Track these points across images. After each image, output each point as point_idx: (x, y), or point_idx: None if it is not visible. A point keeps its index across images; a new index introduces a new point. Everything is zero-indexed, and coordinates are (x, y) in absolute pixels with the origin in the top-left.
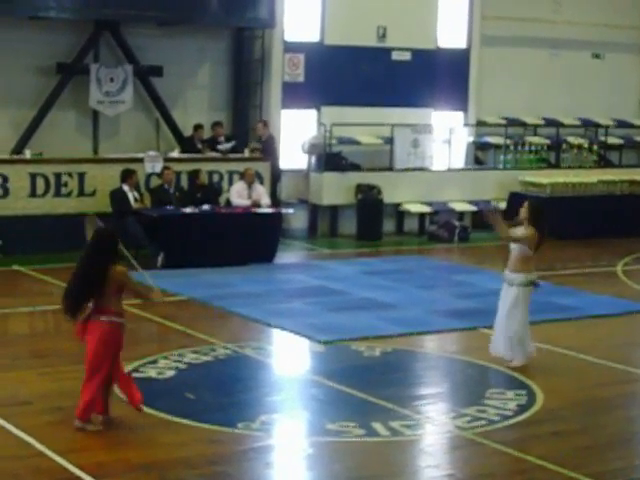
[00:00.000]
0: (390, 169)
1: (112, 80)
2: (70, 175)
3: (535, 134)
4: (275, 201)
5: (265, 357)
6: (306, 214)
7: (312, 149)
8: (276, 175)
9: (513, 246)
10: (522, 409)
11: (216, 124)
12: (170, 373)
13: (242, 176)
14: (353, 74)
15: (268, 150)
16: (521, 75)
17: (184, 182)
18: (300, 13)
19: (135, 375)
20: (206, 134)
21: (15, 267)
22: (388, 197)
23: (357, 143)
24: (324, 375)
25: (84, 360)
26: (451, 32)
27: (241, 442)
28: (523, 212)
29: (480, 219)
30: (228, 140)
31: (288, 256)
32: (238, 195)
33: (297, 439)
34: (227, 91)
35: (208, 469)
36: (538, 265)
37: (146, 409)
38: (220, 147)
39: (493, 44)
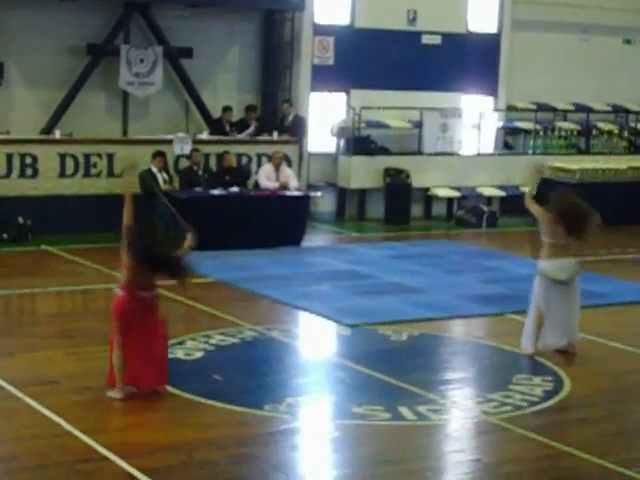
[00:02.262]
0: (419, 153)
1: (142, 61)
2: (99, 156)
3: (565, 119)
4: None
5: (292, 340)
6: (334, 197)
7: (341, 132)
8: (300, 157)
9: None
10: (549, 395)
11: (249, 108)
12: (198, 354)
13: (270, 158)
14: (383, 57)
15: (295, 131)
16: (551, 60)
17: (213, 164)
18: None
19: None
20: (235, 116)
21: (44, 247)
22: (416, 181)
23: (386, 127)
24: (351, 358)
25: None
26: (482, 16)
27: (268, 424)
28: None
29: (509, 204)
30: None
31: (316, 239)
32: (266, 177)
33: (323, 422)
34: (256, 74)
35: (235, 450)
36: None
37: (173, 390)
38: (239, 135)
39: (524, 29)
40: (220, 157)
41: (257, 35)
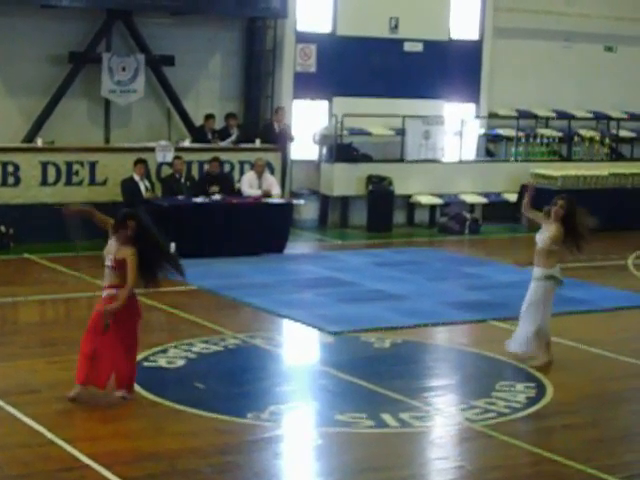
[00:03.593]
0: (401, 160)
1: (124, 69)
2: (81, 164)
3: (547, 126)
4: (283, 191)
5: (275, 347)
6: (317, 205)
7: (323, 140)
8: (285, 165)
9: (538, 239)
10: (532, 402)
11: (229, 115)
12: (180, 362)
13: (253, 166)
14: (365, 65)
15: (284, 139)
16: (533, 67)
17: (195, 172)
18: (312, 3)
19: (145, 364)
20: (218, 124)
21: (26, 255)
22: (399, 188)
23: (368, 134)
24: (334, 366)
25: None
26: (463, 23)
27: (250, 432)
28: (559, 211)
29: (491, 211)
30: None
31: (298, 247)
32: (249, 185)
33: (306, 429)
34: (239, 81)
35: (217, 459)
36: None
37: (156, 398)
38: (222, 143)
39: (505, 36)
40: (204, 163)
41: (239, 43)
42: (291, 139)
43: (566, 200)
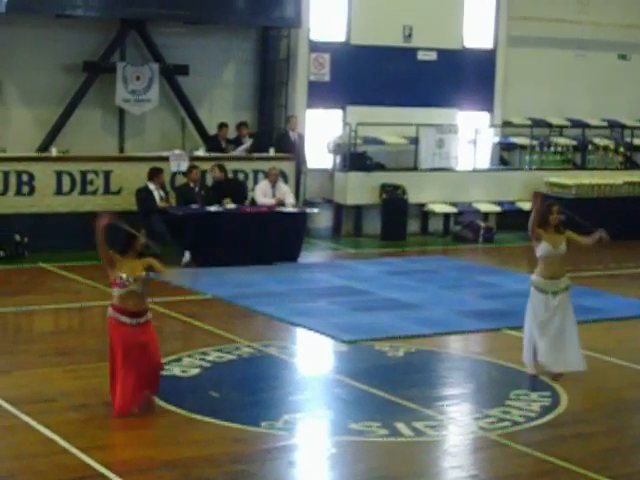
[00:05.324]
0: (415, 169)
1: (138, 79)
2: (96, 173)
3: (561, 135)
4: (298, 200)
5: (289, 356)
6: (331, 214)
7: (337, 149)
8: (299, 174)
9: (558, 250)
10: (546, 411)
11: (241, 124)
12: (194, 371)
13: (266, 175)
14: (379, 74)
15: (299, 147)
16: (547, 76)
17: (209, 181)
18: (326, 13)
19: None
20: (231, 133)
21: (41, 264)
22: (413, 197)
23: (382, 143)
24: (348, 375)
25: None
26: (477, 32)
27: (264, 441)
28: (557, 218)
29: (506, 220)
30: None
31: (312, 255)
32: (263, 194)
33: (320, 438)
34: (252, 90)
35: (231, 467)
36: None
37: (170, 407)
38: (234, 152)
39: (519, 44)
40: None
41: (253, 52)
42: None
43: (558, 204)
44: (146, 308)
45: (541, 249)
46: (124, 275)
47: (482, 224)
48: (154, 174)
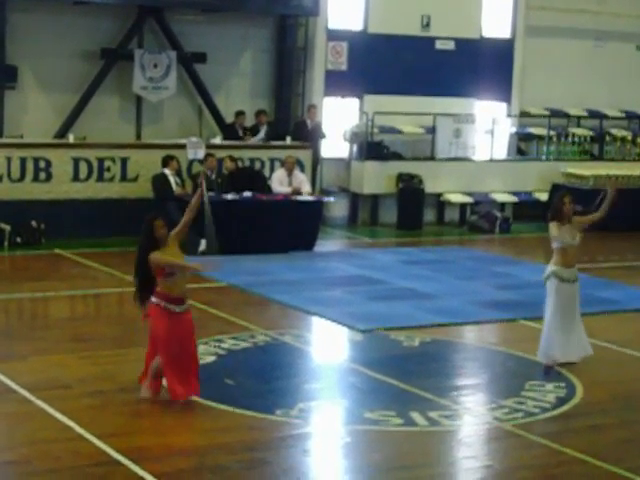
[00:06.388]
0: (432, 159)
1: (156, 66)
2: (113, 160)
3: (578, 125)
4: (314, 188)
5: (304, 345)
6: (347, 202)
7: (354, 137)
8: (315, 162)
9: (573, 241)
10: (561, 402)
11: (259, 112)
12: (210, 359)
13: (283, 163)
14: (396, 63)
15: (316, 136)
16: (565, 66)
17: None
18: (344, 1)
19: None
20: (249, 121)
21: (57, 251)
22: (429, 187)
23: (399, 132)
24: (363, 364)
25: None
26: (495, 22)
27: (279, 429)
28: (571, 208)
29: (522, 210)
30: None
31: (328, 244)
32: (279, 182)
33: (335, 427)
34: (270, 79)
35: (246, 455)
36: (580, 257)
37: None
38: (252, 140)
39: (537, 34)
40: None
41: (270, 40)
42: (323, 136)
43: (569, 194)
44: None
45: (558, 240)
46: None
47: (498, 214)
48: (167, 161)
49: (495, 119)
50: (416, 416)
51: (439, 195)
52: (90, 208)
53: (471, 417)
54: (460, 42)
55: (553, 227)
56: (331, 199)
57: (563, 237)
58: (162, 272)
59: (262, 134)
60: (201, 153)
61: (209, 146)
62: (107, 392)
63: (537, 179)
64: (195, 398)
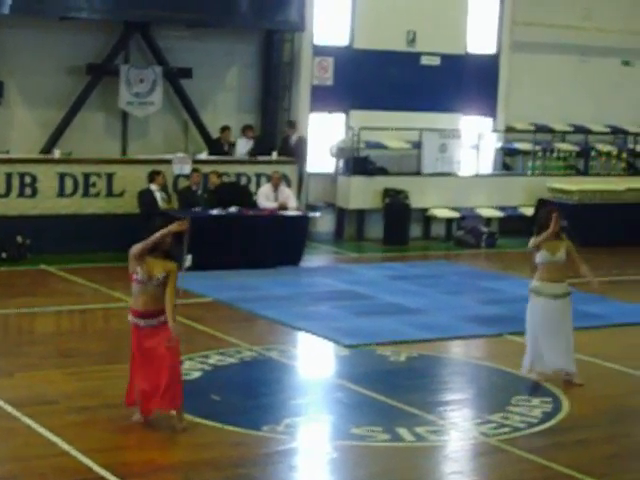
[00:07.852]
0: (418, 174)
1: (142, 81)
2: (99, 175)
3: (564, 141)
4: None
5: (290, 360)
6: (333, 218)
7: (340, 153)
8: (301, 178)
9: (556, 258)
10: (548, 416)
11: (246, 127)
12: (196, 374)
13: (269, 179)
14: (382, 78)
15: (298, 152)
16: (550, 81)
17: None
18: (330, 17)
19: None
20: (235, 136)
21: (43, 266)
22: (415, 202)
23: (385, 147)
24: (349, 379)
25: None
26: (481, 37)
27: (266, 445)
28: (557, 224)
29: (508, 225)
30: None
31: (314, 259)
32: (265, 197)
33: (322, 443)
34: (256, 94)
35: (233, 471)
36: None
37: (172, 411)
38: (236, 156)
39: (523, 50)
40: (220, 175)
41: (256, 55)
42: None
43: (557, 210)
44: (158, 310)
45: (539, 256)
46: (139, 269)
47: (484, 229)
48: (154, 176)
49: (481, 134)
50: (403, 431)
51: (425, 210)
52: (76, 224)
53: (457, 432)
54: (446, 57)
55: (532, 239)
56: (317, 214)
57: (544, 253)
58: (130, 277)
59: (243, 147)
60: (187, 168)
61: (195, 161)
62: (93, 408)
63: (523, 194)
64: (185, 415)
